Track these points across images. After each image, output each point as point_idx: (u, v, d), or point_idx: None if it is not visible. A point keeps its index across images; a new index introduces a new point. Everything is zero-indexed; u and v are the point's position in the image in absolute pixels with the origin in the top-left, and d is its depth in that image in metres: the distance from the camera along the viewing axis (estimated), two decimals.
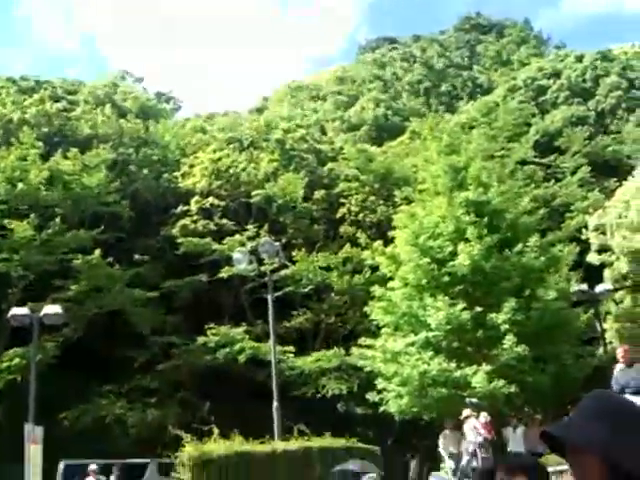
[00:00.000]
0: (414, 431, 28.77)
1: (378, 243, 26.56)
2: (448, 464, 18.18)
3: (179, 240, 32.85)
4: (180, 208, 34.35)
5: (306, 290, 32.27)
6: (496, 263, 21.98)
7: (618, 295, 26.19)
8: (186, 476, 17.31)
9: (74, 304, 29.70)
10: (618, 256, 26.65)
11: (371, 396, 23.68)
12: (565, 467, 10.90)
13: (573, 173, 38.68)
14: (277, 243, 22.70)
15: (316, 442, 17.87)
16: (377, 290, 24.04)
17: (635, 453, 2.86)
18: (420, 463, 28.48)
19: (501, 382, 20.28)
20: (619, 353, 14.33)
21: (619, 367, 13.81)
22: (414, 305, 22.48)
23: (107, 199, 33.47)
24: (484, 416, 17.41)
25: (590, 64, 47.75)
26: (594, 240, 28.13)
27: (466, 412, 17.36)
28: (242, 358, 30.36)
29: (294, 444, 17.83)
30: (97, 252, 30.50)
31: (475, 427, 16.99)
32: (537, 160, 39.43)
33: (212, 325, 31.13)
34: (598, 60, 48.20)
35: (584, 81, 47.03)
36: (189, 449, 17.34)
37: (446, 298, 21.53)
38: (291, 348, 30.46)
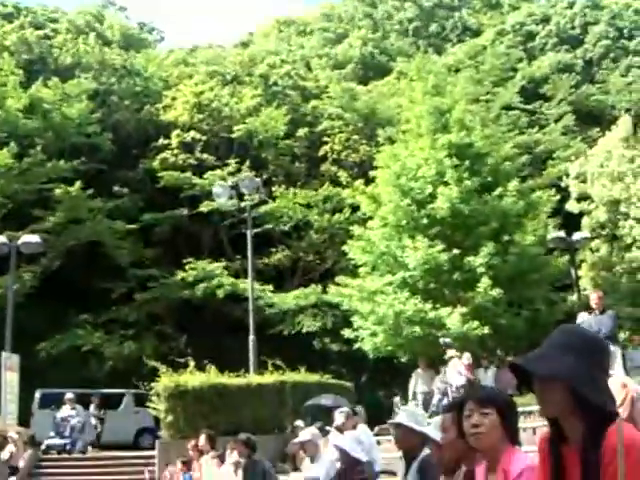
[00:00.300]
0: (388, 369, 29.22)
1: (359, 182, 26.51)
2: (415, 402, 18.50)
3: (159, 173, 32.60)
4: (161, 141, 34.00)
5: (285, 227, 32.32)
6: (475, 207, 22.06)
7: (594, 244, 26.41)
8: (161, 407, 17.53)
9: (53, 234, 29.57)
10: (597, 205, 26.80)
11: (346, 334, 23.96)
12: (532, 408, 11.11)
13: (557, 121, 38.59)
14: (258, 179, 22.62)
15: (290, 377, 18.12)
16: (356, 229, 24.11)
17: (599, 385, 2.91)
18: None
19: (475, 324, 20.55)
20: (593, 299, 14.47)
21: (583, 315, 14.03)
22: (393, 245, 22.59)
23: (88, 130, 33.10)
24: (467, 357, 17.59)
25: (580, 11, 47.23)
26: (574, 188, 28.22)
27: (450, 352, 17.51)
28: (220, 293, 30.47)
29: (269, 378, 18.06)
30: (77, 184, 30.26)
31: (458, 369, 17.17)
32: (522, 106, 39.24)
33: (190, 260, 31.16)
34: (588, 8, 47.68)
35: (573, 28, 46.58)
36: (165, 380, 17.53)
37: (425, 239, 21.65)
38: (270, 287, 30.61)
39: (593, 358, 2.94)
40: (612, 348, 12.15)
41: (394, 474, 8.33)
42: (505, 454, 3.57)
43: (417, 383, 18.93)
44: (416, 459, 5.59)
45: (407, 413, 5.87)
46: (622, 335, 21.24)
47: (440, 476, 4.90)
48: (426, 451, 5.43)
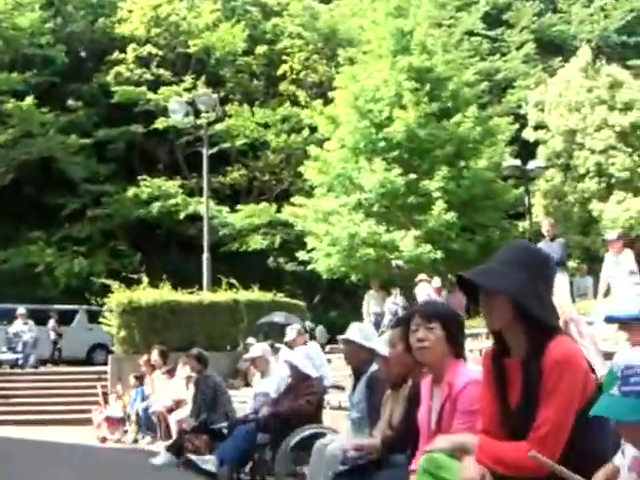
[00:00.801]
0: (340, 290, 29.58)
1: (318, 103, 26.25)
2: (367, 321, 18.77)
3: (114, 88, 31.81)
4: (116, 55, 33.00)
5: (242, 146, 32.01)
6: (433, 131, 22.05)
7: (549, 173, 26.60)
8: (114, 322, 17.53)
9: (4, 149, 28.91)
10: (553, 134, 26.91)
11: (301, 254, 24.09)
12: (480, 330, 11.32)
13: (519, 48, 38.33)
14: (215, 95, 22.23)
15: (244, 295, 18.19)
16: (313, 150, 23.99)
17: (544, 301, 2.97)
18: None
19: (428, 247, 20.80)
20: (545, 226, 14.68)
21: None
22: (349, 167, 22.57)
23: (40, 41, 31.97)
24: (436, 281, 17.75)
25: None
26: (532, 116, 28.27)
27: (421, 276, 17.63)
28: (175, 211, 30.27)
29: (222, 296, 18.12)
30: (29, 97, 29.44)
31: (427, 292, 17.32)
32: (484, 32, 38.88)
33: (145, 177, 30.79)
34: None
35: None
36: (118, 296, 17.49)
37: (382, 162, 21.65)
38: (225, 207, 30.46)
39: (540, 274, 2.99)
40: (561, 274, 12.43)
41: (343, 389, 8.49)
42: (450, 368, 3.65)
43: (369, 304, 19.17)
44: (364, 375, 5.71)
45: (357, 329, 5.96)
46: (571, 263, 21.69)
47: (387, 390, 5.01)
48: (374, 367, 5.53)
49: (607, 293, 12.08)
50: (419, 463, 3.10)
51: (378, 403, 5.12)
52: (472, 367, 3.82)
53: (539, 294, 2.94)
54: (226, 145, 30.48)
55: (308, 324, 19.89)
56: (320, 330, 17.72)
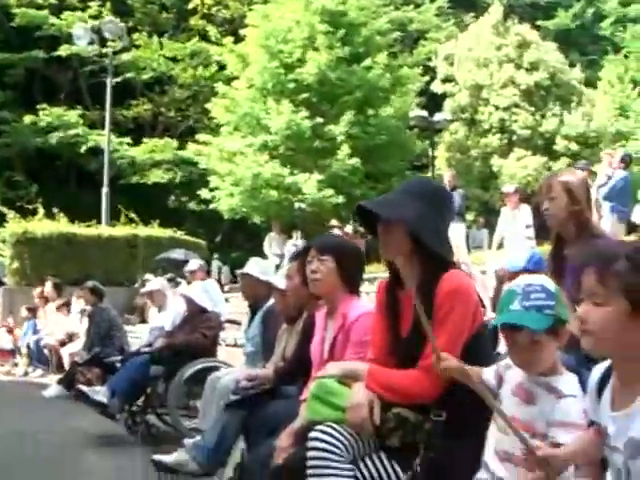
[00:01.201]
0: (242, 231, 29.53)
1: (228, 40, 25.71)
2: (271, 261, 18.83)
3: (15, 10, 30.26)
4: None
5: (148, 79, 31.15)
6: (343, 75, 22.00)
7: (454, 126, 27.01)
8: (7, 253, 17.02)
9: None
10: (460, 88, 27.29)
11: (203, 193, 23.84)
12: (377, 275, 11.48)
13: (432, 1, 38.44)
14: (122, 24, 21.48)
15: (143, 231, 17.94)
16: (221, 88, 23.60)
17: (440, 235, 3.02)
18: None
19: (330, 191, 20.92)
20: (446, 177, 15.07)
21: None
22: (257, 107, 22.33)
23: None
24: (349, 228, 17.81)
25: None
26: (441, 69, 28.56)
27: (333, 222, 17.67)
28: (75, 143, 29.33)
29: (121, 230, 17.83)
30: None
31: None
32: None
33: (45, 105, 29.63)
34: None
35: None
36: (12, 226, 16.98)
37: (290, 105, 21.51)
38: (128, 140, 29.71)
39: (439, 209, 3.03)
40: (458, 224, 12.74)
41: (239, 324, 8.50)
42: (343, 300, 3.68)
43: (270, 246, 19.21)
44: (261, 310, 5.73)
45: (255, 263, 5.96)
46: (469, 216, 22.24)
47: (283, 325, 5.05)
48: (271, 301, 5.55)
49: (500, 246, 12.47)
50: (309, 389, 3.14)
51: (273, 337, 5.14)
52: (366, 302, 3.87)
53: (437, 228, 2.99)
54: (131, 75, 29.57)
55: (217, 264, 19.80)
56: (224, 270, 17.69)
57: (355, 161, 21.06)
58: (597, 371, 2.22)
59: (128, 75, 29.12)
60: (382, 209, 2.96)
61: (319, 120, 21.49)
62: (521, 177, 23.74)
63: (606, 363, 2.19)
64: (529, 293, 2.47)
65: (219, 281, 16.65)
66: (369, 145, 22.17)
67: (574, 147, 24.86)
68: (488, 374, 2.73)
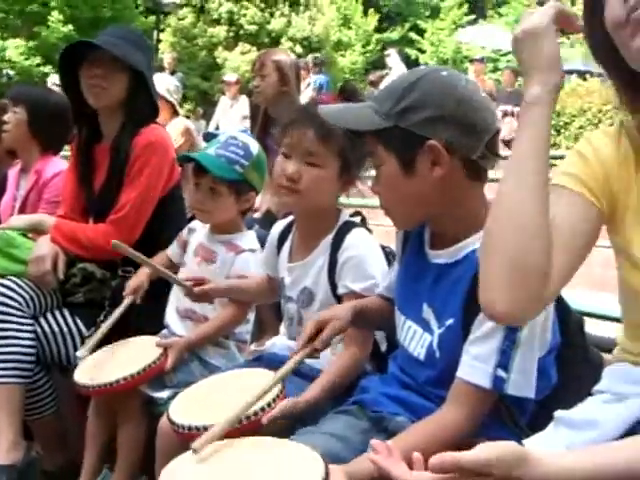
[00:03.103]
0: None
1: None
2: None
3: None
4: None
5: None
6: None
7: (183, 12, 26.28)
8: None
9: None
10: None
11: None
12: None
13: None
14: None
15: None
16: None
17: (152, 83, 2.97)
18: None
19: (38, 59, 19.65)
20: (167, 59, 14.75)
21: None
22: None
23: None
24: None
25: None
26: None
27: None
28: None
29: None
30: None
31: None
32: None
33: None
34: None
35: None
36: None
37: None
38: None
39: (149, 60, 2.97)
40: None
41: None
42: (39, 158, 3.50)
43: None
44: None
45: None
46: (187, 105, 22.03)
47: None
48: None
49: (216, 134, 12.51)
50: None
51: None
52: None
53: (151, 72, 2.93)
54: None
55: None
56: None
57: (69, 29, 19.81)
58: (278, 227, 2.31)
59: None
60: (113, 48, 2.77)
61: None
62: (244, 71, 23.79)
63: (286, 220, 2.29)
64: (229, 145, 2.49)
65: None
66: (88, 16, 20.91)
67: (298, 49, 25.33)
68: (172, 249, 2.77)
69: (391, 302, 1.83)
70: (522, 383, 1.47)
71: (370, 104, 1.58)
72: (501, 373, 1.45)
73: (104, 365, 2.43)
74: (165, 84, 5.72)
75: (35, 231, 2.87)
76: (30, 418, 2.79)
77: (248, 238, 2.59)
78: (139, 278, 2.66)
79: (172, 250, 2.76)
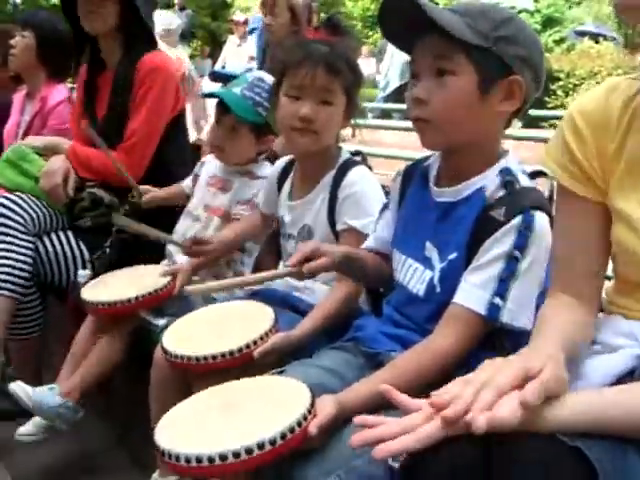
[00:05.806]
0: None
1: None
2: None
3: None
4: None
5: None
6: None
7: None
8: None
9: None
10: None
11: None
12: None
13: None
14: None
15: None
16: None
17: (149, 8, 2.96)
18: None
19: None
20: None
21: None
22: None
23: None
24: None
25: None
26: None
27: None
28: None
29: None
30: None
31: None
32: None
33: None
34: None
35: None
36: None
37: None
38: None
39: None
40: (181, 47, 12.40)
41: None
42: (45, 85, 3.49)
43: None
44: None
45: None
46: (193, 44, 21.73)
47: None
48: None
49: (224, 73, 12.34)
50: (5, 153, 3.00)
51: None
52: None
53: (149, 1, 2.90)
54: None
55: None
56: None
57: None
58: (278, 165, 2.31)
59: None
60: None
61: None
62: (254, 12, 23.50)
63: (286, 158, 2.29)
64: (255, 86, 2.47)
65: None
66: None
67: None
68: (187, 182, 2.77)
69: (383, 257, 1.82)
70: (517, 313, 1.46)
71: (457, 16, 1.51)
72: (497, 301, 1.45)
73: (112, 286, 2.42)
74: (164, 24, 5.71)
75: (51, 152, 2.88)
76: (12, 337, 2.77)
77: (264, 167, 2.59)
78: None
79: (186, 183, 2.78)
